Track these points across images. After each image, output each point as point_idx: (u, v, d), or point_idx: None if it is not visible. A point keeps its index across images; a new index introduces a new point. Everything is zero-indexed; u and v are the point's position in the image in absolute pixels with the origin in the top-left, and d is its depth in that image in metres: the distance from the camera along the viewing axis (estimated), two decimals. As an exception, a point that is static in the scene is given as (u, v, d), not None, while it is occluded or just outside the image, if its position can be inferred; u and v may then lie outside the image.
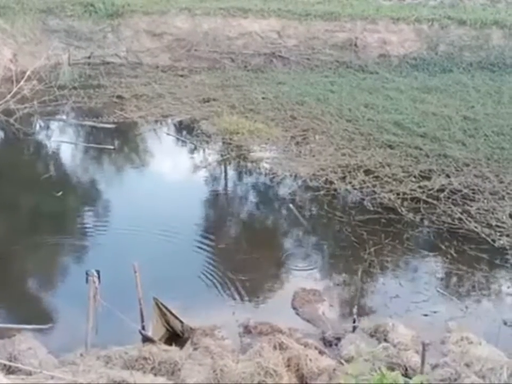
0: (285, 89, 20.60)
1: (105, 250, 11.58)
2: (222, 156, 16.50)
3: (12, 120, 17.49)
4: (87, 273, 8.58)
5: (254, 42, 24.13)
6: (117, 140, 18.01)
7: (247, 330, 9.54)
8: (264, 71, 22.90)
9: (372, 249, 11.70)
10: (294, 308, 10.23)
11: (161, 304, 9.38)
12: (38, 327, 8.97)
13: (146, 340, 9.06)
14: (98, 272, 8.58)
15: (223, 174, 16.05)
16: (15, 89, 19.45)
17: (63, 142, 17.99)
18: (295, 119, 18.21)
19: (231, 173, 16.16)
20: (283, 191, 14.69)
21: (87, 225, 13.09)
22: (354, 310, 9.66)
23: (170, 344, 8.80)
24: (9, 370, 7.49)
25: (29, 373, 7.42)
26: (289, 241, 12.56)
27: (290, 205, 13.66)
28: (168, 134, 18.51)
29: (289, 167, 15.44)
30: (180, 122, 18.87)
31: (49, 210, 13.43)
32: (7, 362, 7.52)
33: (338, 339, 9.29)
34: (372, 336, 9.35)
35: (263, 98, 19.83)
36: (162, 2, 25.24)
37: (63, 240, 12.29)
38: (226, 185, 15.59)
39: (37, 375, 7.31)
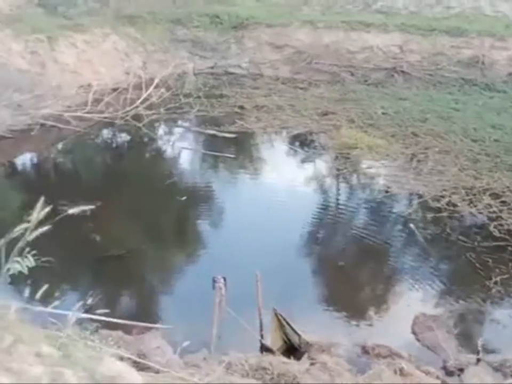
0: (406, 105, 20.16)
1: (229, 257, 11.77)
2: (338, 170, 16.37)
3: (140, 125, 18.46)
4: (214, 280, 8.80)
5: (375, 57, 23.87)
6: (236, 149, 18.38)
7: (364, 350, 9.39)
8: (384, 86, 22.52)
9: (498, 279, 11.13)
10: (414, 333, 9.91)
11: (281, 315, 9.44)
12: (161, 326, 9.28)
13: (265, 349, 9.16)
14: (224, 279, 8.79)
15: (338, 189, 15.94)
16: (144, 96, 20.58)
17: (185, 148, 18.63)
18: (416, 136, 17.74)
19: (347, 187, 16.03)
20: (402, 209, 14.34)
21: (210, 230, 13.46)
22: (479, 342, 9.20)
23: (287, 356, 8.83)
24: (139, 367, 7.80)
25: (157, 371, 7.69)
26: (409, 262, 12.16)
27: (411, 225, 13.28)
28: (286, 146, 18.68)
29: (409, 185, 15.06)
30: (298, 135, 18.96)
31: (175, 213, 13.98)
32: (137, 359, 7.82)
33: (461, 370, 8.92)
34: (497, 370, 8.90)
35: (383, 113, 19.53)
36: (286, 15, 25.62)
37: (187, 243, 12.75)
38: (342, 199, 15.40)
39: (165, 374, 7.56)
